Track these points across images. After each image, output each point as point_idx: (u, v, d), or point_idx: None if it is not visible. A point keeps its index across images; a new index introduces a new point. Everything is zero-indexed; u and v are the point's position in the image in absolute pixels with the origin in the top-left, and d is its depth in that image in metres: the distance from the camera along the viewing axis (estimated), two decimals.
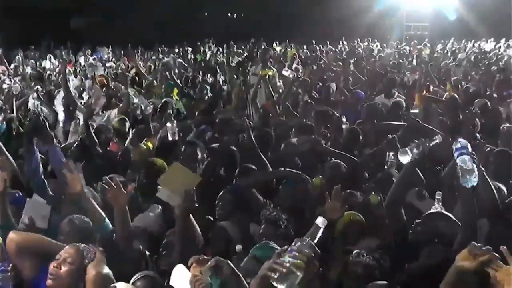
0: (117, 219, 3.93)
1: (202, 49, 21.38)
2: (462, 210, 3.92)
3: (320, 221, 2.44)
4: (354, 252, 3.75)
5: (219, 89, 11.67)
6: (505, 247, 2.45)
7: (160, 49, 20.83)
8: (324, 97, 10.00)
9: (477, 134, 7.23)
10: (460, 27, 26.29)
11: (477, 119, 7.40)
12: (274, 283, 2.35)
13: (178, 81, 11.59)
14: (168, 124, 6.93)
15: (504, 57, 17.14)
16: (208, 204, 4.91)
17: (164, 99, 9.65)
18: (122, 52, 20.72)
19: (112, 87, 10.40)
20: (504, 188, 4.89)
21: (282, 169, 5.52)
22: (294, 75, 10.17)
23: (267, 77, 9.55)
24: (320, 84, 11.34)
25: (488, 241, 3.87)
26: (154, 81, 12.24)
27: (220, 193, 5.00)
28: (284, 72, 10.44)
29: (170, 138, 6.77)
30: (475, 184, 3.63)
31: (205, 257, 3.09)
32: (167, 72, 11.94)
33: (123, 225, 3.92)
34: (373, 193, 4.44)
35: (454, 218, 4.06)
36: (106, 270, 3.36)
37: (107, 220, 4.04)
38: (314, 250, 2.37)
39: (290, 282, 2.34)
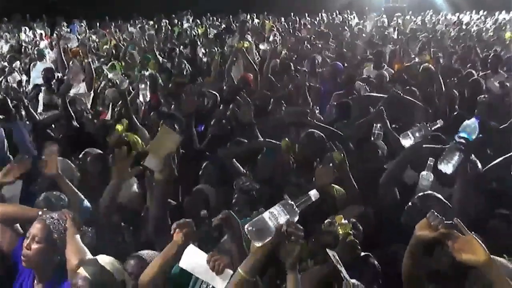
0: (109, 191, 3.95)
1: (179, 21, 21.09)
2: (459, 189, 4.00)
3: (313, 193, 2.43)
4: (326, 221, 3.72)
5: (199, 62, 11.56)
6: (459, 219, 2.47)
7: (137, 21, 20.54)
8: (309, 69, 9.94)
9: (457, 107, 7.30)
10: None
11: (454, 90, 7.45)
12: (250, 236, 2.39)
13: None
14: (141, 85, 6.84)
15: (482, 30, 17.18)
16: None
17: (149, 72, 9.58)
18: (98, 24, 20.37)
19: (89, 59, 10.21)
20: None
21: (262, 139, 5.53)
22: (271, 46, 10.11)
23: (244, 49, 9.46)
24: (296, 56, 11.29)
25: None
26: (133, 53, 12.07)
27: (204, 164, 5.07)
28: (261, 46, 10.40)
29: (141, 99, 6.72)
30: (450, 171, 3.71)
31: (187, 220, 3.06)
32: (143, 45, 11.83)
33: (111, 198, 3.95)
34: (336, 150, 4.44)
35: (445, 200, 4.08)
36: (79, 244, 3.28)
37: (85, 202, 3.98)
38: (293, 216, 2.37)
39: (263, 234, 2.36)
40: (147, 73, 8.50)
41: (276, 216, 2.39)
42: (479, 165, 4.77)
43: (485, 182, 4.80)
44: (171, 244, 3.02)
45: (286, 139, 5.04)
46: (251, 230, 2.40)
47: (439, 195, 4.04)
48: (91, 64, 8.96)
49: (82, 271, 2.96)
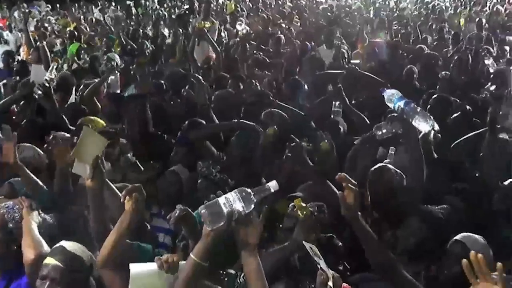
0: (57, 177, 3.84)
1: (145, 2, 20.78)
2: (411, 158, 3.97)
3: (273, 184, 2.40)
4: (290, 205, 3.70)
5: (161, 43, 11.43)
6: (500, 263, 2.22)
7: (100, 3, 20.16)
8: (274, 49, 9.90)
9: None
10: None
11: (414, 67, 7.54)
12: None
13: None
14: (111, 77, 6.76)
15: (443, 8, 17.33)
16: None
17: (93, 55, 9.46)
18: (58, 5, 19.94)
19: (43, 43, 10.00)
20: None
21: (236, 120, 5.50)
22: (247, 30, 10.08)
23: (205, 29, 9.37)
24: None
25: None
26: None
27: (174, 147, 5.06)
28: (238, 27, 10.35)
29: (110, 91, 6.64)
30: (434, 126, 3.70)
31: (135, 185, 2.94)
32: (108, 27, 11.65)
33: (63, 184, 3.84)
34: (325, 140, 4.41)
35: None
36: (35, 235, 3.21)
37: (44, 188, 3.91)
38: (249, 204, 2.36)
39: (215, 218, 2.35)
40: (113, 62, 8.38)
41: (231, 202, 2.37)
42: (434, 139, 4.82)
43: (448, 157, 4.85)
44: (123, 215, 2.90)
45: (274, 127, 4.97)
46: (204, 213, 2.39)
47: (392, 167, 4.07)
48: (46, 48, 8.74)
49: (50, 260, 2.90)
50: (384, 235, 3.71)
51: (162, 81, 7.12)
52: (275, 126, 4.84)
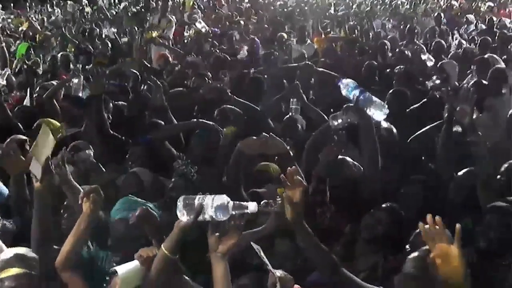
0: (12, 184, 3.81)
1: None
2: (366, 147, 4.00)
3: (252, 206, 2.35)
4: (262, 202, 3.72)
5: (121, 43, 11.34)
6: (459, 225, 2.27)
7: (54, 2, 19.81)
8: (227, 46, 9.91)
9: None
10: None
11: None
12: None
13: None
14: (75, 80, 6.68)
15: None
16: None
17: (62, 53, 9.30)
18: (12, 5, 19.51)
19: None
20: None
21: (195, 120, 5.47)
22: (206, 29, 10.06)
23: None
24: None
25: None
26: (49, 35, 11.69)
27: (131, 148, 5.00)
28: (197, 25, 10.34)
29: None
30: (386, 114, 3.73)
31: (91, 186, 2.98)
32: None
33: (19, 190, 3.79)
34: (231, 126, 4.44)
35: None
36: None
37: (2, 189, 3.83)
38: (223, 215, 2.33)
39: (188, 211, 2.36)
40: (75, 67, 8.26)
41: (206, 204, 2.35)
42: (394, 132, 4.90)
43: (407, 150, 4.93)
44: (81, 217, 2.91)
45: (232, 126, 4.96)
46: (179, 204, 2.40)
47: (350, 160, 4.12)
48: (5, 49, 8.60)
49: (12, 271, 2.79)
50: (344, 228, 3.76)
51: (118, 82, 7.07)
52: (232, 126, 4.84)
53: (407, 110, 5.83)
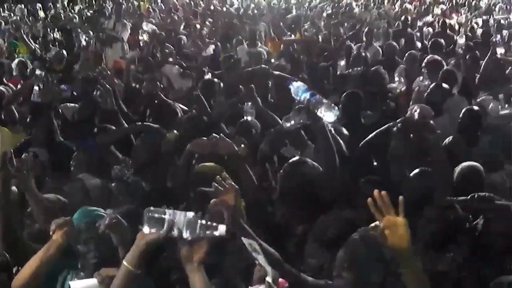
0: None
1: (53, 4, 20.15)
2: (321, 147, 4.00)
3: (221, 229, 2.33)
4: (212, 201, 3.69)
5: (75, 47, 11.16)
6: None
7: (6, 5, 19.40)
8: (176, 50, 9.87)
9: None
10: None
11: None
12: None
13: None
14: (36, 87, 6.53)
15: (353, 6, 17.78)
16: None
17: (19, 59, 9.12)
18: None
19: None
20: (345, 131, 5.09)
21: (140, 123, 5.42)
22: (153, 30, 10.00)
23: None
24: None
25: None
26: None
27: (76, 154, 4.94)
28: (144, 27, 10.26)
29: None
30: (337, 116, 3.78)
31: (65, 218, 2.93)
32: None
33: None
34: (242, 145, 4.38)
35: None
36: None
37: None
38: (191, 232, 2.30)
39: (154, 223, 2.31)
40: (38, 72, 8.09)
41: (175, 218, 2.31)
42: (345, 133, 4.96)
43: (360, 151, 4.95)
44: (49, 244, 2.86)
45: (175, 131, 4.92)
46: (147, 213, 2.33)
47: (309, 160, 4.13)
48: None
49: None
50: (296, 228, 3.74)
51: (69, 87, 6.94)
52: (175, 131, 4.79)
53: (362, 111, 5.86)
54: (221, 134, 4.01)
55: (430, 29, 12.63)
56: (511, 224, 3.59)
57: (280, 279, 2.56)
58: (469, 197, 3.94)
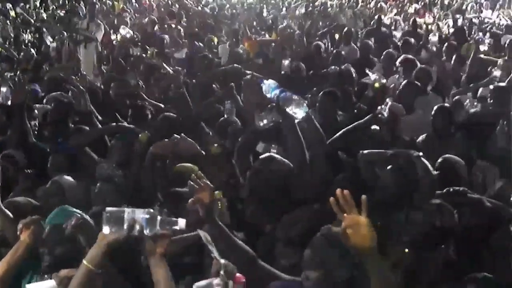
0: None
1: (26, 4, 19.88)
2: (291, 144, 4.02)
3: (182, 223, 2.41)
4: (189, 201, 3.69)
5: (45, 49, 11.05)
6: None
7: None
8: (158, 50, 9.82)
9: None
10: None
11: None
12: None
13: None
14: (3, 89, 6.45)
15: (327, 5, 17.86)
16: None
17: None
18: None
19: None
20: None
21: (114, 124, 5.41)
22: (131, 34, 9.96)
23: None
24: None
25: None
26: None
27: (52, 156, 4.92)
28: (121, 31, 10.23)
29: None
30: (306, 112, 3.83)
31: (33, 217, 2.94)
32: None
33: None
34: (215, 144, 4.39)
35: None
36: None
37: None
38: (151, 229, 2.35)
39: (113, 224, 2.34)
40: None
41: (135, 218, 2.35)
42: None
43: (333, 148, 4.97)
44: (17, 245, 2.87)
45: (146, 132, 4.88)
46: (105, 215, 2.36)
47: (279, 157, 4.15)
48: None
49: None
50: (265, 226, 3.76)
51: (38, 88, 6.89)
52: (146, 132, 4.79)
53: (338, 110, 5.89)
54: (182, 134, 4.08)
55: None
56: (483, 217, 3.64)
57: (237, 274, 2.59)
58: (444, 191, 3.99)
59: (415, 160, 4.00)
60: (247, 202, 3.97)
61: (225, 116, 5.59)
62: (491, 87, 6.51)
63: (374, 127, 5.04)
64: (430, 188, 3.90)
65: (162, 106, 6.41)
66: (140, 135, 4.58)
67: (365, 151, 4.37)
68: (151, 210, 2.37)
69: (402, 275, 3.33)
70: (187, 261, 3.31)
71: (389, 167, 4.06)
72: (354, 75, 7.34)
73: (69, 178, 4.37)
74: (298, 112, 3.80)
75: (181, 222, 2.40)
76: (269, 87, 3.91)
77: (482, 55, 8.67)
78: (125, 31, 10.17)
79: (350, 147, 4.76)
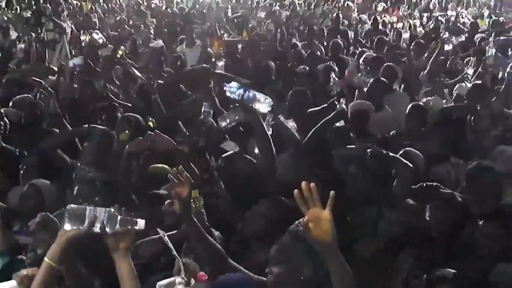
0: None
1: None
2: (258, 141, 4.10)
3: (141, 223, 2.44)
4: (166, 203, 3.70)
5: (9, 48, 10.90)
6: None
7: None
8: (131, 50, 9.77)
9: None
10: None
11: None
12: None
13: None
14: None
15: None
16: None
17: None
18: None
19: None
20: (294, 124, 5.16)
21: (86, 126, 5.35)
22: (104, 40, 9.89)
23: None
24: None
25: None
26: None
27: (26, 159, 4.91)
28: (95, 35, 10.16)
29: None
30: (271, 107, 3.88)
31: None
32: None
33: None
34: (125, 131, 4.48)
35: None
36: None
37: None
38: (111, 227, 2.39)
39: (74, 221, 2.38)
40: None
41: (96, 215, 2.39)
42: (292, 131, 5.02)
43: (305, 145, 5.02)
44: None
45: (126, 131, 4.87)
46: (69, 211, 2.40)
47: (243, 155, 4.18)
48: None
49: None
50: (237, 223, 3.79)
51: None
52: (127, 131, 4.76)
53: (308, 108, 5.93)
54: (156, 131, 4.09)
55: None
56: (454, 211, 3.70)
57: (200, 272, 2.65)
58: (417, 186, 4.06)
59: (390, 159, 4.09)
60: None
61: (202, 116, 5.59)
62: (469, 85, 6.58)
63: (340, 123, 5.10)
64: (409, 181, 3.99)
65: (130, 105, 6.36)
66: (120, 135, 4.56)
67: (340, 148, 4.42)
68: (112, 210, 2.41)
69: (374, 271, 3.39)
70: (163, 261, 3.31)
71: (363, 163, 4.16)
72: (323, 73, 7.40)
73: (45, 181, 4.38)
74: (262, 107, 3.86)
75: (141, 222, 2.43)
76: (232, 88, 3.93)
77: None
78: (97, 36, 10.12)
79: (323, 144, 4.82)
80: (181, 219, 2.98)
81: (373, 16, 13.59)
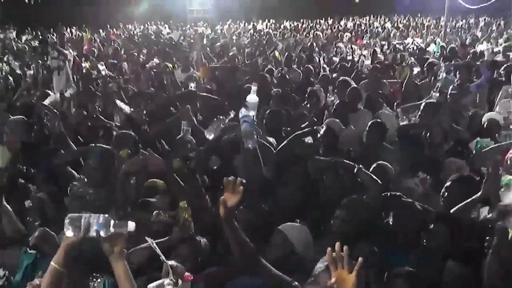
0: None
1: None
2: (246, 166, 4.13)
3: (131, 225, 2.42)
4: (154, 213, 3.72)
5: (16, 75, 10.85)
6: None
7: None
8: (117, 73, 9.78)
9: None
10: (238, 10, 27.04)
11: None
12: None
13: None
14: None
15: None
16: None
17: None
18: None
19: None
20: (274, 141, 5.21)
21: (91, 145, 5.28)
22: (106, 72, 9.87)
23: None
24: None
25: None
26: None
27: (37, 175, 4.89)
28: (100, 66, 10.15)
29: None
30: (256, 145, 3.95)
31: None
32: None
33: None
34: (178, 159, 4.36)
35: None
36: None
37: None
38: (104, 231, 2.36)
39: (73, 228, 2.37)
40: None
41: (90, 222, 2.38)
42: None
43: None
44: None
45: (127, 149, 4.78)
46: (66, 221, 2.38)
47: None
48: None
49: None
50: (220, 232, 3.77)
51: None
52: (127, 149, 4.71)
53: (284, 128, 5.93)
54: (150, 150, 4.04)
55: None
56: (414, 218, 3.71)
57: (186, 273, 2.64)
58: (382, 195, 4.07)
59: (357, 171, 4.11)
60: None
61: (181, 134, 5.56)
62: (422, 103, 6.58)
63: (308, 138, 5.12)
64: (378, 192, 4.01)
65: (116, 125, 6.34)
66: (120, 152, 4.50)
67: (315, 158, 4.44)
68: (106, 216, 2.40)
69: None
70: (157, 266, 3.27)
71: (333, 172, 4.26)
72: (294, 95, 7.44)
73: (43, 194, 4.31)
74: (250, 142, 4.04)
75: (131, 225, 2.42)
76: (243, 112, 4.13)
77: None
78: (102, 68, 10.14)
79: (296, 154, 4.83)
80: (223, 223, 2.83)
81: (350, 45, 13.78)
